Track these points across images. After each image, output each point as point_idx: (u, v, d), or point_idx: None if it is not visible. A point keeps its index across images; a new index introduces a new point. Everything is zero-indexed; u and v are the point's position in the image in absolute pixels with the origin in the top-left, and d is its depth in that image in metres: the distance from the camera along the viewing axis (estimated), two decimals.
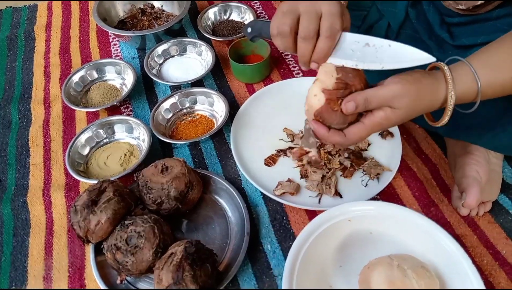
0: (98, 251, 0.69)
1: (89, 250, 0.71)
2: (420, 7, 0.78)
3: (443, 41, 0.74)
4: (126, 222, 0.67)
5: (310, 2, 0.57)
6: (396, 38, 0.82)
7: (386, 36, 0.83)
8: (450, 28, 0.74)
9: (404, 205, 0.76)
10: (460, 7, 0.68)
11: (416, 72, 0.56)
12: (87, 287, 0.70)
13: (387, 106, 0.54)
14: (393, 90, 0.53)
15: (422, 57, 0.54)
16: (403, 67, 0.55)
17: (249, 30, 0.71)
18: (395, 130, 0.85)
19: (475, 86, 0.55)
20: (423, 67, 0.56)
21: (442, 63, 0.56)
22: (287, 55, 1.08)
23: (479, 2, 0.66)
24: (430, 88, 0.55)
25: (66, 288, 0.70)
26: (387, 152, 0.82)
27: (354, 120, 0.57)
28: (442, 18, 0.74)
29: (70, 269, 0.73)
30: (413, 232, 0.66)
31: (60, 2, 1.31)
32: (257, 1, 1.25)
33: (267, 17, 1.20)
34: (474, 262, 0.61)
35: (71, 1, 1.31)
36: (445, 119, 0.57)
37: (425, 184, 0.80)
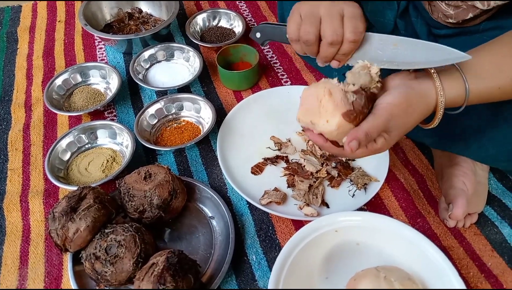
0: (76, 260, 0.67)
1: (67, 259, 0.68)
2: (408, 18, 0.78)
3: None
4: (106, 231, 0.64)
5: (330, 2, 0.56)
6: None
7: None
8: (437, 40, 0.74)
9: (391, 216, 0.76)
10: (450, 20, 0.68)
11: (404, 79, 0.56)
12: None
13: (385, 132, 0.54)
14: (386, 117, 0.52)
15: (458, 56, 0.52)
16: (436, 66, 0.54)
17: (258, 35, 0.70)
18: None
19: (464, 94, 0.55)
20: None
21: (432, 70, 0.56)
22: (276, 62, 1.07)
23: (469, 16, 0.66)
24: (420, 100, 0.55)
25: None
26: (375, 162, 0.82)
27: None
28: (429, 30, 0.75)
29: (46, 279, 0.70)
30: (400, 243, 0.65)
31: (45, 3, 1.28)
32: (246, 9, 1.25)
33: (256, 24, 1.20)
34: (460, 274, 0.60)
35: (56, 2, 1.28)
36: (435, 122, 0.57)
37: (412, 195, 0.79)
